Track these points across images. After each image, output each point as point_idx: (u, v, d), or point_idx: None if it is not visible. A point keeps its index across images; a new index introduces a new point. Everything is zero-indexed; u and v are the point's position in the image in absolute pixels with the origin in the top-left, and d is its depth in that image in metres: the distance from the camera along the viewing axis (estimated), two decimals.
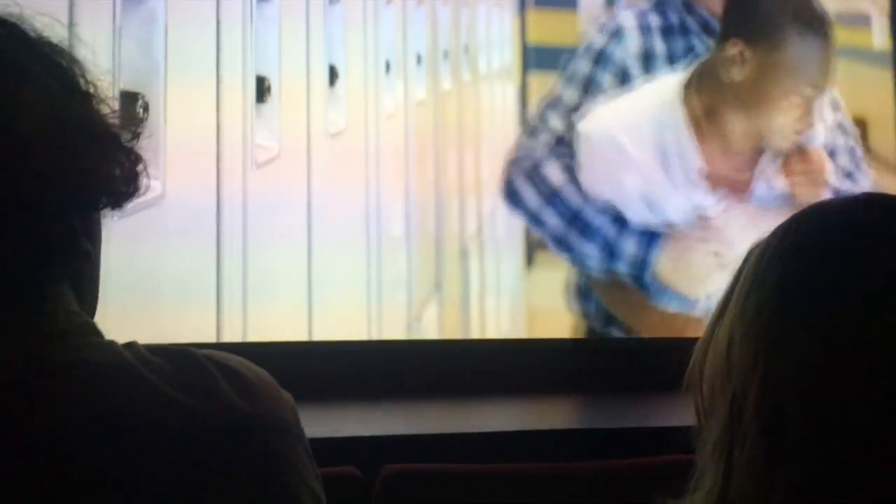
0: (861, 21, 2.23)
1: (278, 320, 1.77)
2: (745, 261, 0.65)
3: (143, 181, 0.65)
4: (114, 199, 0.63)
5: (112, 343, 0.60)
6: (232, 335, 1.73)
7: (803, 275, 0.61)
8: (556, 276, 1.90)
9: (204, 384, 0.58)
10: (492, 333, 1.93)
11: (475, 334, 1.91)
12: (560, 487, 1.11)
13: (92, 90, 0.63)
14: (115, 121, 0.63)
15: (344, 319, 1.82)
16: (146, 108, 1.65)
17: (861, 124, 2.31)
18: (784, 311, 0.60)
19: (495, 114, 1.97)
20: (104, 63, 0.66)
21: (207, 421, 0.56)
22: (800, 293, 0.60)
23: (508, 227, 1.92)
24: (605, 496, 1.07)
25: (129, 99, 1.61)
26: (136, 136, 0.64)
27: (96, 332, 0.62)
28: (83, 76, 0.63)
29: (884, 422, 0.57)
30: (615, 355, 1.83)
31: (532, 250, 1.92)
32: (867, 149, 2.19)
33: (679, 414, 0.70)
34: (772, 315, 0.60)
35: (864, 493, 0.57)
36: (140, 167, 0.64)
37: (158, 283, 1.72)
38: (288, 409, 0.61)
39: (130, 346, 0.60)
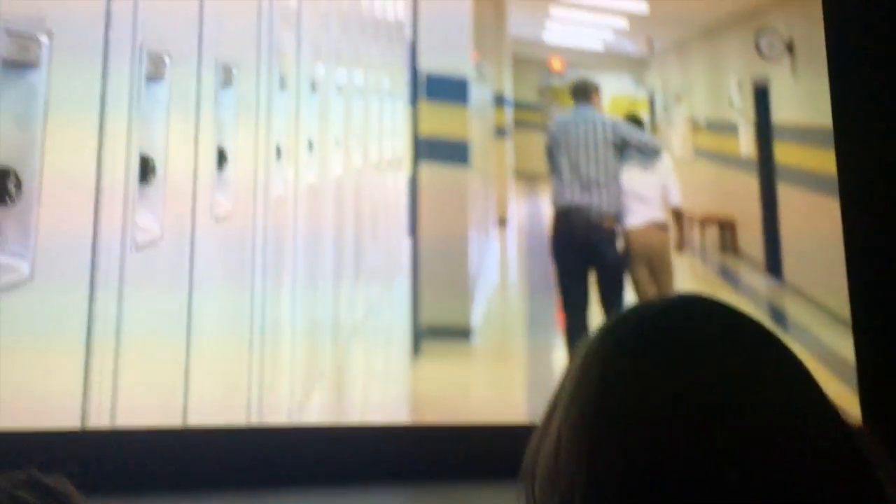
0: (729, 129, 2.38)
1: (151, 405, 1.68)
2: (574, 358, 0.65)
3: None
4: None
5: None
6: (99, 419, 1.62)
7: (619, 380, 0.61)
8: (442, 365, 1.89)
9: None
10: (377, 421, 1.88)
11: (358, 422, 1.86)
12: None
13: None
14: None
15: (222, 405, 1.74)
16: (19, 184, 1.58)
17: (730, 226, 2.44)
18: (602, 417, 0.61)
19: (386, 201, 1.98)
20: None
21: None
22: (616, 400, 0.61)
23: (395, 316, 1.91)
24: None
25: (1, 175, 1.54)
26: None
27: None
28: None
29: None
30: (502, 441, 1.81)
31: (419, 339, 1.91)
32: (735, 249, 2.31)
33: None
34: (592, 420, 0.61)
35: None
36: None
37: (22, 365, 1.61)
38: None
39: None
